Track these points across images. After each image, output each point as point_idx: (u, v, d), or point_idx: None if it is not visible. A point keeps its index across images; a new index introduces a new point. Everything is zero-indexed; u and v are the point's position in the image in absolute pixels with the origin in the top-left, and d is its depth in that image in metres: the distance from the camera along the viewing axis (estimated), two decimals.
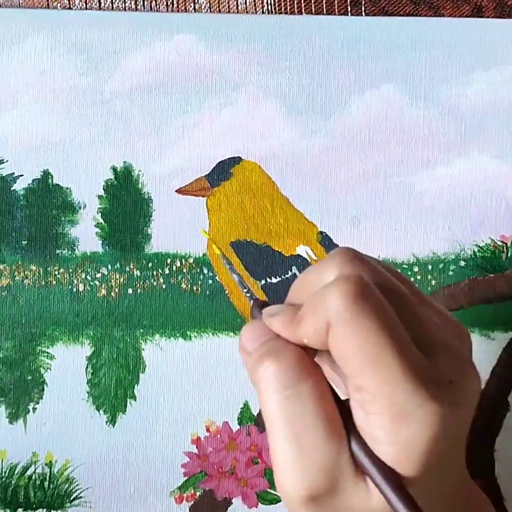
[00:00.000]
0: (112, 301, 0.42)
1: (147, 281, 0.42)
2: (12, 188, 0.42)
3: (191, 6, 0.42)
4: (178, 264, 0.42)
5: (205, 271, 0.42)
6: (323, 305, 0.27)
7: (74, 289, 0.42)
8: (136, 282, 0.42)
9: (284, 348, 0.28)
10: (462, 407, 0.28)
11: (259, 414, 0.42)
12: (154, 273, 0.42)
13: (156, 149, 0.42)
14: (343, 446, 0.28)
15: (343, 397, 0.29)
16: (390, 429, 0.27)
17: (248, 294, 0.33)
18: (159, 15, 0.42)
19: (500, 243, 0.42)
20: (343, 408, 0.29)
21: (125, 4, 0.42)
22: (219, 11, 0.42)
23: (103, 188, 0.42)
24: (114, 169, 0.42)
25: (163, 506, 0.42)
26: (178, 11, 0.42)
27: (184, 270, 0.42)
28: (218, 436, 0.42)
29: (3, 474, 0.42)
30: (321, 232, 0.42)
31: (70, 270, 0.42)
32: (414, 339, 0.28)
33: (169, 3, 0.42)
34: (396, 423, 0.27)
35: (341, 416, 0.29)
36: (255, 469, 0.42)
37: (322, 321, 0.27)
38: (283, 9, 0.42)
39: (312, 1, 0.42)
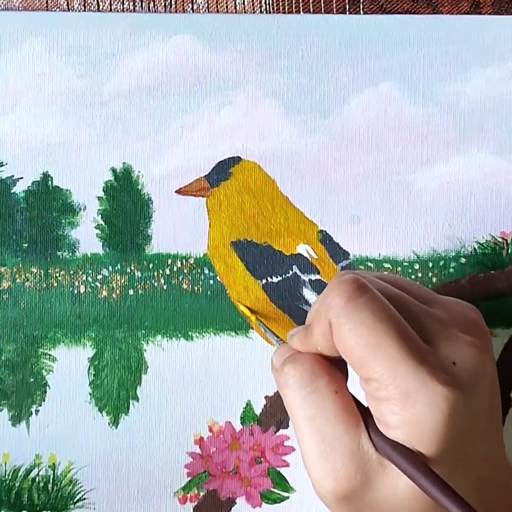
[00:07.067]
0: (113, 302, 0.42)
1: (148, 282, 0.42)
2: (12, 191, 0.42)
3: (189, 7, 0.42)
4: (179, 265, 0.42)
5: (206, 271, 0.42)
6: (325, 308, 0.30)
7: (75, 291, 0.42)
8: (137, 283, 0.42)
9: (301, 355, 0.32)
10: (471, 390, 0.29)
11: (262, 413, 0.42)
12: (155, 274, 0.42)
13: (156, 150, 0.42)
14: (363, 437, 0.30)
15: None
16: (398, 412, 0.28)
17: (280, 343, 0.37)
18: (157, 16, 0.42)
19: (500, 240, 0.42)
20: (360, 404, 0.31)
21: (123, 6, 0.42)
22: (217, 11, 0.42)
23: (103, 190, 0.42)
24: (113, 170, 0.42)
25: (167, 507, 0.42)
26: (176, 11, 0.42)
27: (185, 271, 0.42)
28: (221, 436, 0.42)
29: (6, 476, 0.42)
30: (321, 231, 0.42)
31: (71, 272, 0.42)
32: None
33: (167, 4, 0.42)
34: (402, 404, 0.28)
35: (359, 410, 0.30)
36: (259, 468, 0.42)
37: (326, 323, 0.30)
38: (281, 9, 0.42)
39: (310, 0, 0.42)
